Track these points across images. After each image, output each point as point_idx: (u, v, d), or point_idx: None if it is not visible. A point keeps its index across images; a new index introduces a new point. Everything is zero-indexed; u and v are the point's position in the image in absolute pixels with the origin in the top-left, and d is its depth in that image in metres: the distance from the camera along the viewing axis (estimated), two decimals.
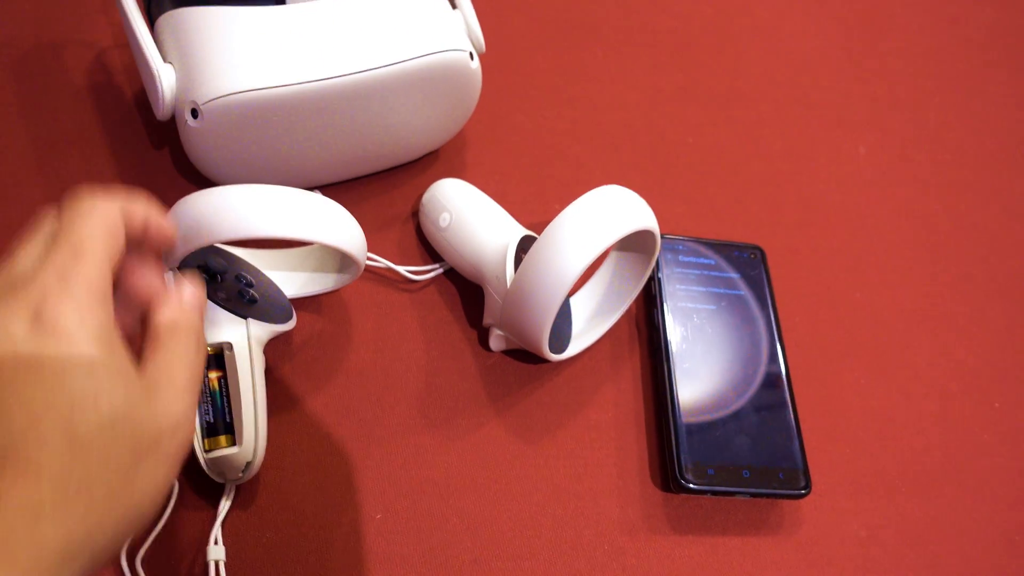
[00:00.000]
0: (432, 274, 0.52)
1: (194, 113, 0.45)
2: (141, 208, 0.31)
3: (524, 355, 0.50)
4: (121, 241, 0.29)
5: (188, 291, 0.32)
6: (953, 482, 0.51)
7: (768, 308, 0.54)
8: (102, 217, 0.28)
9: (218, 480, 0.42)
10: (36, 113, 0.54)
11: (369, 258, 0.51)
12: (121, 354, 0.27)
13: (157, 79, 0.45)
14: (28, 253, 0.28)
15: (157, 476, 0.27)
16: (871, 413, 0.53)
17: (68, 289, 0.26)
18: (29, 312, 0.25)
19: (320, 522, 0.44)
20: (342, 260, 0.48)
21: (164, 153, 0.54)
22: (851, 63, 0.72)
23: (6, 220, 0.49)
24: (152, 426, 0.27)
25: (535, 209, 0.57)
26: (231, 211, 0.38)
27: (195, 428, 0.40)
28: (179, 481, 0.43)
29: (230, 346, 0.42)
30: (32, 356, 0.25)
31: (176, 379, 0.29)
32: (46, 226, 0.29)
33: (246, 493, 0.44)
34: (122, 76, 0.57)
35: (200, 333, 0.31)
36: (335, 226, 0.41)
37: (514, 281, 0.44)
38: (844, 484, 0.50)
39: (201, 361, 0.31)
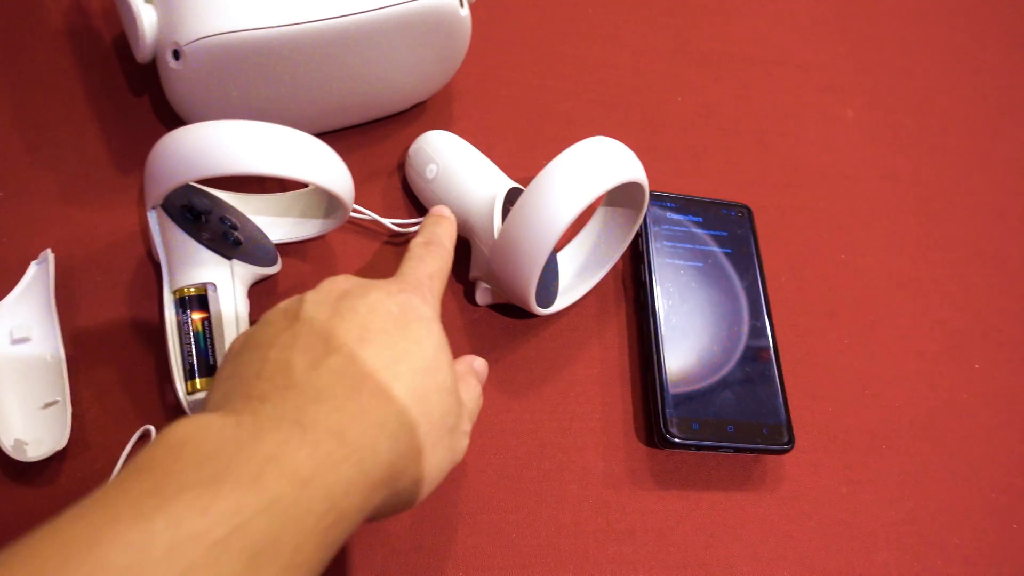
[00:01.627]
0: (418, 227, 0.51)
1: (175, 55, 0.44)
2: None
3: (510, 310, 0.50)
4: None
5: (480, 363, 0.41)
6: (933, 440, 0.52)
7: (754, 266, 0.54)
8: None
9: None
10: (11, 56, 0.52)
11: (354, 210, 0.50)
12: (452, 359, 0.34)
13: (138, 19, 0.44)
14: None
15: (446, 455, 0.32)
16: (854, 371, 0.53)
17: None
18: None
19: None
20: (328, 205, 0.48)
21: (144, 99, 0.52)
22: (841, 26, 0.72)
23: None
24: (457, 411, 0.33)
25: (522, 164, 0.56)
26: (220, 146, 0.37)
27: (180, 374, 0.40)
28: (160, 427, 0.42)
29: (214, 287, 0.41)
30: (411, 318, 0.33)
31: (467, 402, 0.37)
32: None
33: None
34: (100, 19, 0.55)
35: (480, 389, 0.40)
36: (323, 165, 0.40)
37: (501, 232, 0.44)
38: (826, 440, 0.50)
39: (479, 404, 0.40)
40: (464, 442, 0.35)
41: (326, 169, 0.41)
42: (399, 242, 0.51)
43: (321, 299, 0.32)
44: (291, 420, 0.27)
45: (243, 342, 0.32)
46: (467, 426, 0.35)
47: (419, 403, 0.30)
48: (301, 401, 0.28)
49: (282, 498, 0.24)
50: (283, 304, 0.33)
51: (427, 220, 0.43)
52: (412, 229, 0.51)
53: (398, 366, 0.30)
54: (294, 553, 0.24)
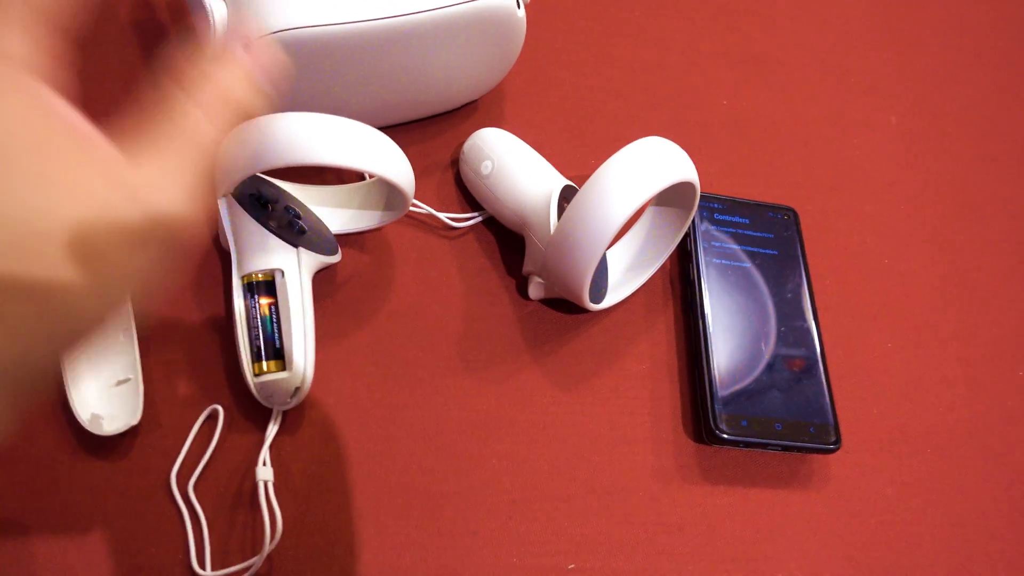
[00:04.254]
0: (472, 222, 0.53)
1: (245, 48, 0.45)
2: None
3: (561, 304, 0.51)
4: None
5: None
6: (978, 445, 0.52)
7: (800, 268, 0.55)
8: None
9: (266, 405, 0.43)
10: (81, 49, 0.54)
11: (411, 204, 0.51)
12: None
13: (209, 14, 0.45)
14: None
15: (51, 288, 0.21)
16: (898, 375, 0.54)
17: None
18: None
19: (363, 455, 0.44)
20: (387, 198, 0.49)
21: None
22: (885, 32, 0.72)
23: None
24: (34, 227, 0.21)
25: (572, 163, 0.57)
26: (292, 137, 0.38)
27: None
28: (228, 407, 0.44)
29: (282, 273, 0.42)
30: None
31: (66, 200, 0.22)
32: None
33: (292, 422, 0.44)
34: (164, 13, 0.56)
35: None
36: (390, 158, 0.41)
37: (558, 228, 0.45)
38: (872, 442, 0.51)
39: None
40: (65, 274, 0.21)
41: (392, 162, 0.42)
42: (453, 236, 0.52)
43: None
44: None
45: None
46: (57, 249, 0.21)
47: None
48: None
49: None
50: None
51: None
52: (467, 224, 0.52)
53: None
54: None
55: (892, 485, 0.50)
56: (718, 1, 0.70)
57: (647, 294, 0.53)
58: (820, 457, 0.50)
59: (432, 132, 0.56)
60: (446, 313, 0.49)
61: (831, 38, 0.70)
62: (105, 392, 0.42)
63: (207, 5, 0.46)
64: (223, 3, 0.46)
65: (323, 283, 0.49)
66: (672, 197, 0.50)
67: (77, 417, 0.40)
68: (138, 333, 0.44)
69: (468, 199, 0.54)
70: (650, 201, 0.52)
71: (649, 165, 0.44)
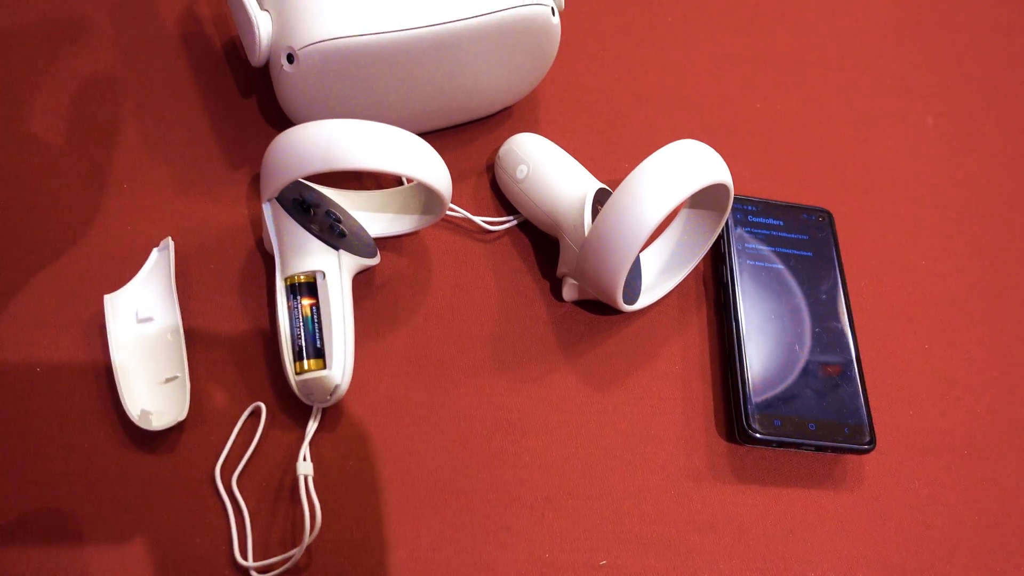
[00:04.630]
0: (507, 225, 0.54)
1: (290, 58, 0.47)
2: None
3: (594, 306, 0.52)
4: None
5: None
6: (1015, 446, 0.52)
7: (835, 270, 0.55)
8: None
9: (306, 402, 0.44)
10: (131, 62, 0.56)
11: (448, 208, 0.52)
12: None
13: (255, 25, 0.47)
14: None
15: None
16: (934, 376, 0.54)
17: None
18: None
19: (399, 452, 0.45)
20: (424, 202, 0.50)
21: (251, 101, 0.56)
22: (919, 32, 0.72)
23: (104, 158, 0.52)
24: None
25: (605, 167, 0.58)
26: (337, 143, 0.39)
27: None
28: (270, 405, 0.45)
29: (323, 274, 0.44)
30: None
31: None
32: None
33: (330, 419, 0.46)
34: (211, 26, 0.59)
35: None
36: (429, 163, 0.43)
37: (592, 229, 0.45)
38: (907, 443, 0.51)
39: None
40: None
41: (431, 167, 0.43)
42: (489, 239, 0.53)
43: None
44: None
45: None
46: None
47: None
48: None
49: None
50: None
51: None
52: (502, 227, 0.53)
53: None
54: None
55: (927, 487, 0.49)
56: (749, 4, 0.70)
57: (680, 296, 0.54)
58: (854, 458, 0.50)
59: (468, 138, 0.57)
60: (481, 314, 0.51)
61: (864, 38, 0.70)
62: (154, 389, 0.44)
63: (253, 18, 0.47)
64: (268, 16, 0.48)
65: (363, 285, 0.50)
66: (706, 199, 0.51)
67: (127, 413, 0.42)
68: (185, 333, 0.46)
69: (503, 203, 0.55)
70: (684, 203, 0.52)
71: (683, 167, 0.44)
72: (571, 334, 0.51)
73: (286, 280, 0.44)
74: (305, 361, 0.43)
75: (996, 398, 0.53)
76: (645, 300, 0.51)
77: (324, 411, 0.46)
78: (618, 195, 0.44)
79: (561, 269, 0.51)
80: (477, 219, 0.53)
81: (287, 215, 0.44)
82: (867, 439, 0.48)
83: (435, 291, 0.51)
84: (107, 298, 0.45)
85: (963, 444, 0.51)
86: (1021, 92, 0.70)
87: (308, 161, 0.40)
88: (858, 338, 0.53)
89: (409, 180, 0.50)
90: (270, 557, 0.42)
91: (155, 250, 0.47)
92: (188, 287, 0.48)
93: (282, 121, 0.55)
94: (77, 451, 0.43)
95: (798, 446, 0.47)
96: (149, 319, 0.45)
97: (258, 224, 0.51)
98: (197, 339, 0.47)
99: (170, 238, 0.47)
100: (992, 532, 0.49)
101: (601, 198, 0.50)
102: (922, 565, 0.47)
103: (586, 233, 0.47)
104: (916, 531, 0.48)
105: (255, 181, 0.53)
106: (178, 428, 0.44)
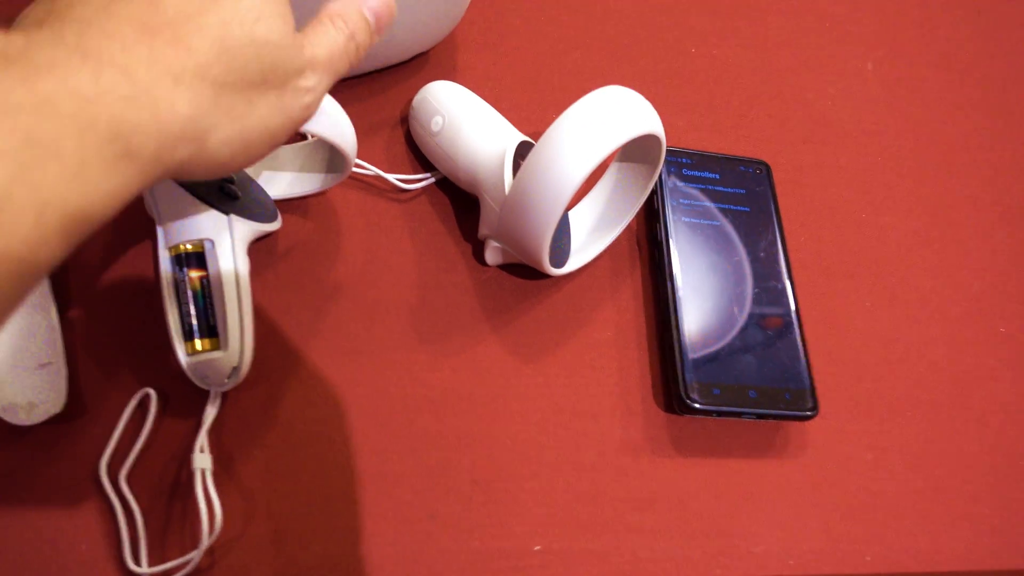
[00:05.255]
0: (423, 183, 0.49)
1: None
2: None
3: (521, 270, 0.48)
4: None
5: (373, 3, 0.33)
6: (959, 405, 0.50)
7: (774, 225, 0.52)
8: None
9: (202, 386, 0.39)
10: None
11: (356, 165, 0.47)
12: (287, 8, 0.29)
13: None
14: None
15: (271, 114, 0.29)
16: (876, 335, 0.52)
17: None
18: None
19: (310, 437, 0.41)
20: (329, 159, 0.45)
21: None
22: None
23: None
24: (289, 67, 0.29)
25: (530, 117, 0.53)
26: None
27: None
28: (161, 390, 0.41)
29: (212, 243, 0.39)
30: None
31: (320, 53, 0.31)
32: None
33: (233, 404, 0.41)
34: None
35: (360, 37, 0.33)
36: (324, 115, 0.38)
37: (512, 187, 0.41)
38: (850, 406, 0.49)
39: (348, 56, 0.32)
40: (304, 99, 0.30)
41: (327, 119, 0.38)
42: (404, 199, 0.49)
43: None
44: (70, 45, 0.23)
45: None
46: (310, 80, 0.30)
47: (228, 58, 0.27)
48: (83, 28, 0.24)
49: (58, 102, 0.22)
50: None
51: None
52: (418, 185, 0.49)
53: (204, 16, 0.26)
54: (79, 166, 0.22)
55: (871, 450, 0.47)
56: None
57: (612, 257, 0.50)
58: (796, 424, 0.47)
59: (379, 87, 0.52)
60: (397, 282, 0.46)
61: None
62: (25, 378, 0.38)
63: None
64: None
65: (262, 253, 0.45)
66: (636, 152, 0.47)
67: None
68: (61, 311, 0.40)
69: (420, 159, 0.50)
70: (613, 156, 0.49)
71: (610, 117, 0.40)
72: (496, 301, 0.47)
73: (170, 250, 0.39)
74: (197, 341, 0.38)
75: (938, 357, 0.52)
76: (575, 262, 0.48)
77: (224, 396, 0.41)
78: (539, 148, 0.40)
79: (483, 231, 0.46)
80: (390, 177, 0.48)
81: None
82: (809, 405, 0.45)
83: (344, 258, 0.46)
84: None
85: (906, 405, 0.49)
86: (961, 35, 0.68)
87: None
88: (798, 297, 0.50)
89: (313, 136, 0.46)
90: (167, 561, 0.37)
91: None
92: (66, 259, 0.43)
93: None
94: None
95: (739, 415, 0.44)
96: None
97: None
98: (77, 320, 0.42)
99: None
100: (937, 495, 0.47)
101: (523, 152, 0.45)
102: (867, 531, 0.45)
103: (507, 191, 0.43)
104: (861, 496, 0.46)
105: None
106: (55, 421, 0.39)
